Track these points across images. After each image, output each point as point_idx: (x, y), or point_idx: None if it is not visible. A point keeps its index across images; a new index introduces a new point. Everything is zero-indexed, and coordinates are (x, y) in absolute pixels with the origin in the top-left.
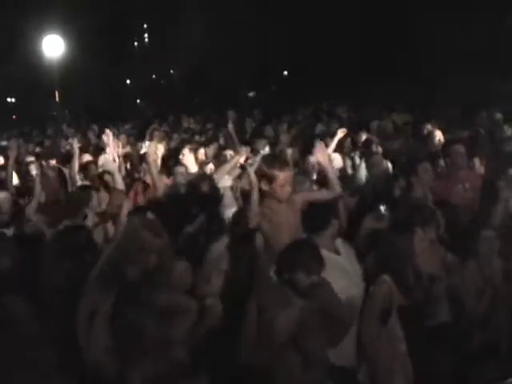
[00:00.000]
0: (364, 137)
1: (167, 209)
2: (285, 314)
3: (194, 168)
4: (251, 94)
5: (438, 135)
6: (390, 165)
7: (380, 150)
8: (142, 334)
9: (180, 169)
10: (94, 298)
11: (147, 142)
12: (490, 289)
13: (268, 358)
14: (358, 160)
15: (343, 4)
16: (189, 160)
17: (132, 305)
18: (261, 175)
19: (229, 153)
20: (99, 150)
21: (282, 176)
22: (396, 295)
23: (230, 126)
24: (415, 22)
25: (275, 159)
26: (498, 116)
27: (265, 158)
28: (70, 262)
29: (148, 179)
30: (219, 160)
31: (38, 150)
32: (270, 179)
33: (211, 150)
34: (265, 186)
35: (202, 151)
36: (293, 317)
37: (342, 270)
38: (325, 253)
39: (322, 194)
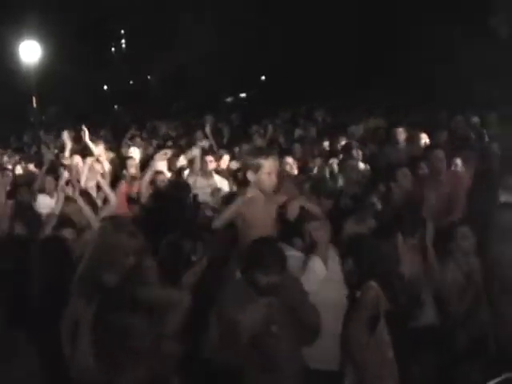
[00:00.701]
0: (343, 142)
1: (148, 217)
2: (246, 314)
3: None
4: (229, 99)
5: (424, 138)
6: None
7: (360, 154)
8: (131, 335)
9: (161, 176)
10: (76, 308)
11: (131, 148)
12: (472, 287)
13: (232, 358)
14: (335, 166)
15: (323, 9)
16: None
17: (115, 310)
18: (246, 167)
19: (209, 159)
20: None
21: (268, 164)
22: (383, 301)
23: (208, 129)
24: (402, 23)
25: (260, 149)
26: (475, 119)
27: (249, 150)
28: (49, 273)
29: (130, 186)
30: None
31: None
32: (257, 168)
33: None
34: (251, 176)
35: (181, 157)
36: (254, 316)
37: (325, 280)
38: (315, 263)
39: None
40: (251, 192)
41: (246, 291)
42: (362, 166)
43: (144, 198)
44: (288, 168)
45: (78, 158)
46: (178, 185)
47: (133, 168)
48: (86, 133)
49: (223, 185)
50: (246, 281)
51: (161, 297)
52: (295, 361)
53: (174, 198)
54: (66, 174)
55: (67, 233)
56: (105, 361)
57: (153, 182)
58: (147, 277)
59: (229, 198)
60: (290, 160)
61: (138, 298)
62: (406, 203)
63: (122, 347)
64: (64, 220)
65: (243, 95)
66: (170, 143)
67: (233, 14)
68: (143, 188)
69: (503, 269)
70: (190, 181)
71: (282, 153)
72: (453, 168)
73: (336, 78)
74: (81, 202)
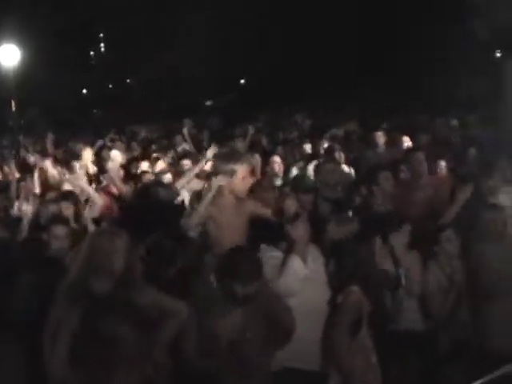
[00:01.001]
0: (326, 144)
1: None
2: (224, 321)
3: None
4: (209, 103)
5: (406, 141)
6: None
7: (343, 157)
8: (119, 343)
9: (148, 177)
10: (61, 314)
11: (113, 152)
12: (454, 289)
13: (211, 363)
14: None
15: (302, 13)
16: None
17: (103, 316)
18: (219, 171)
19: (186, 162)
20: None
21: (242, 169)
22: (365, 305)
23: (185, 131)
24: (390, 26)
25: (232, 154)
26: (454, 122)
27: (221, 155)
28: (29, 275)
29: (113, 188)
30: (176, 169)
31: None
32: (231, 173)
33: (169, 159)
34: (224, 181)
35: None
36: (231, 324)
37: (305, 278)
38: (294, 262)
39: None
40: (219, 201)
41: (222, 299)
42: (345, 168)
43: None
44: (276, 167)
45: (48, 162)
46: (164, 186)
47: (114, 171)
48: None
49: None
50: (221, 290)
51: (159, 306)
52: (268, 365)
53: (159, 199)
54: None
55: (58, 230)
56: (87, 370)
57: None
58: (142, 283)
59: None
60: (277, 159)
61: (132, 306)
62: (387, 206)
63: (108, 354)
64: (55, 217)
65: (223, 98)
66: (154, 147)
67: (214, 19)
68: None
69: (487, 270)
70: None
71: (266, 155)
72: (435, 170)
73: (316, 81)
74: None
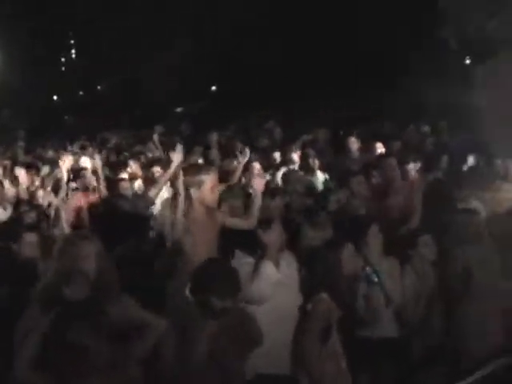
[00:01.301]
0: (298, 152)
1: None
2: (202, 335)
3: None
4: (179, 110)
5: (379, 147)
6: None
7: (317, 163)
8: (88, 352)
9: (124, 184)
10: (32, 319)
11: (83, 158)
12: (426, 294)
13: (190, 375)
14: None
15: (280, 18)
16: None
17: (73, 323)
18: (188, 184)
19: (156, 169)
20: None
21: (210, 179)
22: (335, 312)
23: (156, 138)
24: (364, 34)
25: (199, 165)
26: (426, 128)
27: (188, 167)
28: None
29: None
30: (147, 176)
31: None
32: (199, 185)
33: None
34: (194, 194)
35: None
36: (208, 337)
37: (278, 283)
38: (266, 267)
39: (239, 223)
40: (195, 211)
41: (198, 312)
42: (320, 174)
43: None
44: (256, 173)
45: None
46: (133, 197)
47: (86, 178)
48: None
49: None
50: (197, 303)
51: (136, 318)
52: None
53: (126, 211)
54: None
55: (30, 237)
56: (57, 376)
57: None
58: (118, 293)
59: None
60: (257, 166)
61: (105, 315)
62: (361, 212)
63: (75, 363)
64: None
65: (194, 105)
66: (126, 154)
67: (184, 26)
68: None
69: (463, 272)
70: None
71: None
72: (406, 176)
73: (287, 89)
74: None
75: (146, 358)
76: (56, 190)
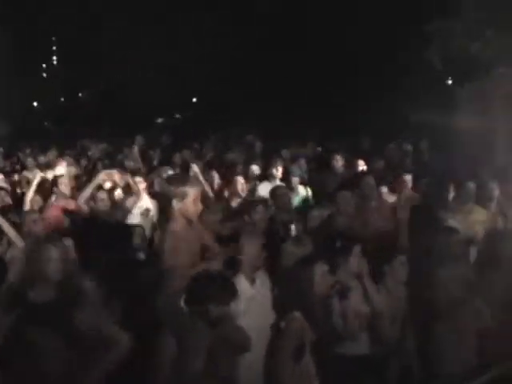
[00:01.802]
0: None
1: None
2: (197, 345)
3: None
4: (160, 120)
5: (361, 165)
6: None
7: (298, 178)
8: (45, 356)
9: (101, 195)
10: None
11: (59, 165)
12: (401, 314)
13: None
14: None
15: (257, 30)
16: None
17: (34, 326)
18: (170, 195)
19: (137, 179)
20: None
21: (193, 192)
22: (308, 331)
23: (135, 149)
24: (348, 51)
25: (183, 177)
26: (408, 147)
27: (171, 178)
28: None
29: (62, 202)
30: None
31: None
32: (182, 196)
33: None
34: (177, 205)
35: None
36: (204, 346)
37: (252, 298)
38: (240, 282)
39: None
40: (177, 223)
41: (194, 322)
42: (302, 190)
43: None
44: (239, 187)
45: None
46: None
47: (63, 185)
48: None
49: (153, 206)
50: (194, 313)
51: (94, 327)
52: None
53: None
54: None
55: None
56: (15, 377)
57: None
58: (86, 301)
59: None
60: (240, 179)
61: (68, 322)
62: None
63: (31, 363)
64: None
65: (175, 117)
66: (106, 162)
67: (166, 37)
68: (82, 204)
69: (442, 293)
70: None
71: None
72: (385, 195)
73: (271, 102)
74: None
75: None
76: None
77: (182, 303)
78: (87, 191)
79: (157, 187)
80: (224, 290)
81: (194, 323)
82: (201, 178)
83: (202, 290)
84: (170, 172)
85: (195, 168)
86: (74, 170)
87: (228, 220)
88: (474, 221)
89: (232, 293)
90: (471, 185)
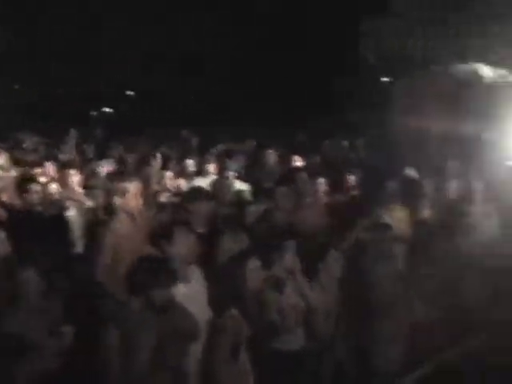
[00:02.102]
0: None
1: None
2: (147, 336)
3: None
4: (95, 113)
5: (297, 160)
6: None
7: (234, 174)
8: None
9: (35, 187)
10: None
11: None
12: (334, 308)
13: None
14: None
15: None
16: None
17: None
18: (111, 191)
19: (71, 172)
20: None
21: (133, 187)
22: (244, 329)
23: (71, 141)
24: (280, 49)
25: (123, 172)
26: (344, 143)
27: (112, 174)
28: None
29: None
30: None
31: None
32: (123, 192)
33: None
34: (118, 201)
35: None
36: (152, 337)
37: (185, 298)
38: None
39: None
40: (118, 220)
41: (141, 313)
42: (238, 185)
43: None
44: (168, 182)
45: None
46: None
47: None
48: None
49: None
50: (138, 303)
51: (21, 329)
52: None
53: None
54: None
55: None
56: None
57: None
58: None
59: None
60: (170, 174)
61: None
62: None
63: None
64: None
65: (109, 110)
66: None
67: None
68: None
69: (376, 290)
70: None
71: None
72: (320, 190)
73: (209, 98)
74: None
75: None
76: None
77: (127, 297)
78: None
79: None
80: (162, 273)
81: (139, 314)
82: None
83: (141, 277)
84: (106, 165)
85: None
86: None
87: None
88: (398, 218)
89: (171, 274)
90: (393, 184)
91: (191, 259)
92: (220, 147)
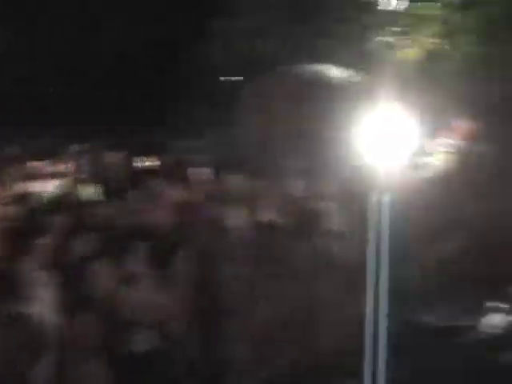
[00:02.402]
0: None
1: None
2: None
3: None
4: None
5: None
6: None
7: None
8: None
9: None
10: None
11: None
12: (186, 309)
13: None
14: None
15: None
16: None
17: None
18: None
19: None
20: None
21: None
22: (97, 333)
23: None
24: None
25: None
26: (193, 143)
27: None
28: None
29: None
30: None
31: None
32: None
33: None
34: None
35: None
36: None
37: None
38: None
39: None
40: None
41: None
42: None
43: None
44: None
45: None
46: None
47: None
48: None
49: None
50: None
51: None
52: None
53: None
54: None
55: None
56: None
57: None
58: None
59: None
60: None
61: None
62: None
63: None
64: None
65: None
66: None
67: None
68: None
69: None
70: None
71: None
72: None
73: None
74: None
75: None
76: None
77: None
78: None
79: None
80: (6, 284)
81: None
82: None
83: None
84: None
85: None
86: None
87: None
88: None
89: (15, 286)
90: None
91: (38, 265)
92: (72, 149)
